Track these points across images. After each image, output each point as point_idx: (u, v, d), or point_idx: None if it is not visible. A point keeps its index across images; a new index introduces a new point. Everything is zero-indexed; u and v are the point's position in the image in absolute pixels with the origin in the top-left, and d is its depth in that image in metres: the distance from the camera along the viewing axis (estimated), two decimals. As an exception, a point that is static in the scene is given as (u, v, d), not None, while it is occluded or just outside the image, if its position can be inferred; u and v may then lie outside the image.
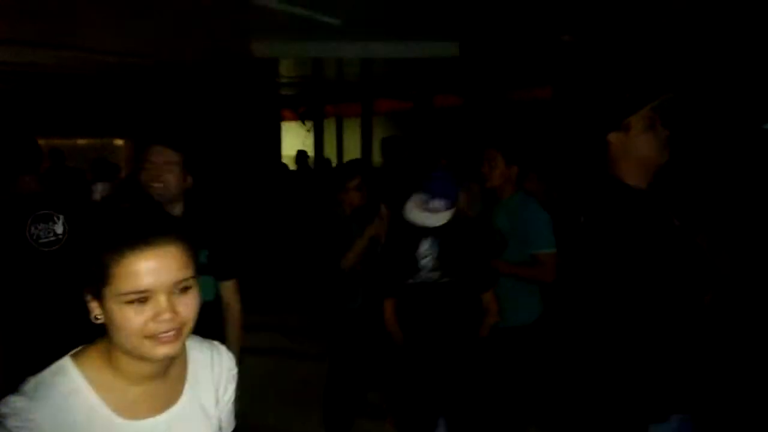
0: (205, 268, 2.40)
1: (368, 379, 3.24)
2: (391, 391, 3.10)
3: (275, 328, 5.67)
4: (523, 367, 3.01)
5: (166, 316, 1.08)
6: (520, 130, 7.33)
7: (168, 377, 1.21)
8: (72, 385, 1.11)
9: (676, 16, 4.55)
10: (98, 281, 1.08)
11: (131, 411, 1.14)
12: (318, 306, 5.08)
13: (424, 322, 2.82)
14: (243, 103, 10.15)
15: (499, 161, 3.07)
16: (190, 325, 1.14)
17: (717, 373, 2.34)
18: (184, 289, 1.12)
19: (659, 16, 4.59)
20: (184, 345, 1.22)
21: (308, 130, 12.36)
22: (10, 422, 1.05)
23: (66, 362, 1.14)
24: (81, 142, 9.59)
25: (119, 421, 1.13)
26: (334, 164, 10.66)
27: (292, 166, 9.74)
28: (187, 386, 1.24)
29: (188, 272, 1.13)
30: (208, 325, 2.47)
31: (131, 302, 1.07)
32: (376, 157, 9.13)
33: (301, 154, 9.50)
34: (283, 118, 12.24)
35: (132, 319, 1.07)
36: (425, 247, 2.78)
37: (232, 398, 1.35)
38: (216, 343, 1.36)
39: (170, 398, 1.21)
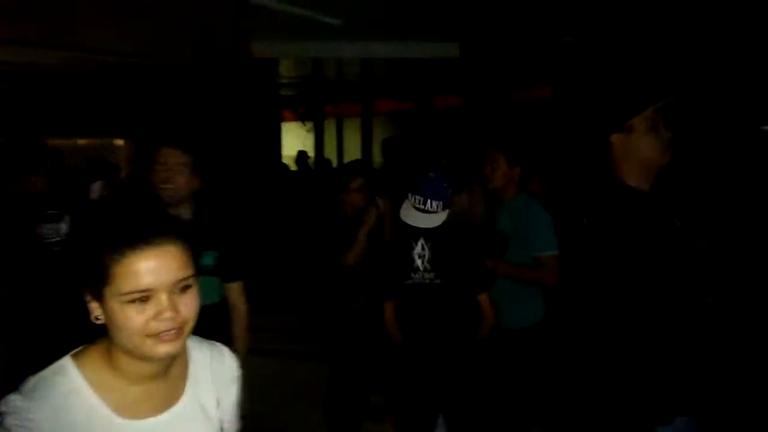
0: (212, 270, 2.44)
1: (370, 381, 3.22)
2: (391, 391, 3.10)
3: (275, 329, 5.66)
4: (526, 369, 3.01)
5: (168, 314, 1.09)
6: (521, 131, 7.32)
7: (168, 377, 1.21)
8: (72, 385, 1.11)
9: (678, 18, 4.54)
10: (98, 281, 1.08)
11: (131, 411, 1.14)
12: (318, 307, 5.09)
13: (419, 323, 2.83)
14: (243, 103, 10.15)
15: (501, 162, 3.06)
16: (191, 324, 1.14)
17: (721, 375, 2.34)
18: (185, 288, 1.12)
19: (660, 17, 4.59)
20: (185, 344, 1.22)
21: (308, 131, 12.35)
22: (9, 421, 1.05)
23: (66, 362, 1.14)
24: (81, 142, 9.59)
25: (119, 420, 1.12)
26: (334, 165, 10.66)
27: (292, 167, 9.74)
28: (187, 387, 1.24)
29: (188, 271, 1.13)
30: (214, 326, 2.50)
31: (132, 302, 1.07)
32: (377, 158, 9.13)
33: (301, 155, 9.50)
34: (283, 119, 12.24)
35: (133, 319, 1.07)
36: (419, 248, 2.80)
37: (236, 399, 1.34)
38: (218, 344, 1.36)
39: (170, 398, 1.21)
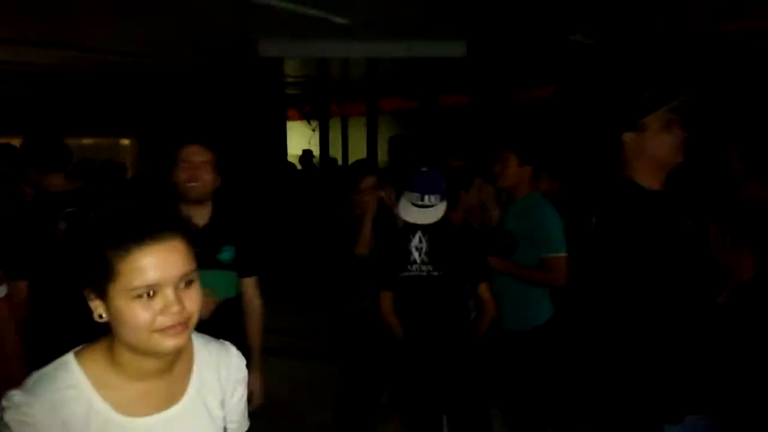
0: (231, 265, 2.51)
1: (380, 381, 3.21)
2: (395, 387, 3.09)
3: (281, 329, 5.67)
4: (536, 368, 3.00)
5: (175, 309, 1.09)
6: (529, 129, 7.30)
7: (171, 375, 1.21)
8: (72, 381, 1.11)
9: (690, 16, 4.52)
10: (103, 278, 1.08)
11: (131, 408, 1.15)
12: (325, 306, 5.09)
13: (417, 316, 2.85)
14: (248, 102, 10.15)
15: (512, 161, 3.05)
16: (195, 318, 1.15)
17: (732, 374, 2.33)
18: (189, 283, 1.13)
19: (672, 15, 4.57)
20: (190, 341, 1.23)
21: (313, 130, 12.35)
22: (9, 416, 1.06)
23: (68, 358, 1.15)
24: (87, 141, 9.60)
25: (117, 417, 1.13)
26: (339, 164, 10.66)
27: (297, 166, 9.75)
28: (190, 385, 1.24)
29: (192, 265, 1.14)
30: (231, 320, 2.53)
31: (139, 297, 1.07)
32: (382, 157, 9.12)
33: (306, 154, 9.50)
34: (288, 118, 12.24)
35: (140, 314, 1.07)
36: (416, 240, 2.81)
37: (243, 399, 1.34)
38: (226, 343, 1.35)
39: (172, 397, 1.21)
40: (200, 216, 2.49)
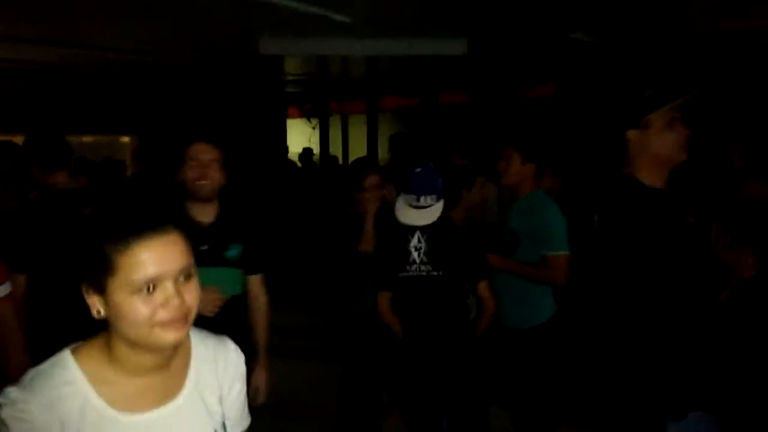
0: (236, 262, 2.53)
1: (383, 381, 3.20)
2: (395, 386, 3.09)
3: (283, 327, 5.66)
4: (539, 367, 3.00)
5: (176, 302, 1.09)
6: (531, 127, 7.31)
7: (169, 371, 1.21)
8: (69, 378, 1.11)
9: (690, 15, 4.52)
10: (102, 273, 1.08)
11: (128, 404, 1.14)
12: (328, 304, 5.09)
13: (417, 316, 2.85)
14: (249, 100, 10.15)
15: (515, 159, 3.05)
16: (194, 312, 1.15)
17: (736, 371, 2.33)
18: (188, 276, 1.13)
19: (673, 14, 4.57)
20: (187, 337, 1.23)
21: (314, 128, 12.35)
22: (6, 413, 1.05)
23: (65, 355, 1.14)
24: (87, 139, 9.59)
25: (113, 413, 1.12)
26: (340, 162, 10.65)
27: (297, 164, 9.75)
28: (188, 381, 1.24)
29: (191, 259, 1.14)
30: (237, 316, 2.53)
31: (139, 291, 1.07)
32: (382, 155, 9.12)
33: (306, 152, 9.49)
34: (288, 116, 12.24)
35: (140, 309, 1.07)
36: (415, 240, 2.81)
37: (242, 394, 1.34)
38: (225, 339, 1.35)
39: (169, 393, 1.20)
40: (207, 214, 2.51)
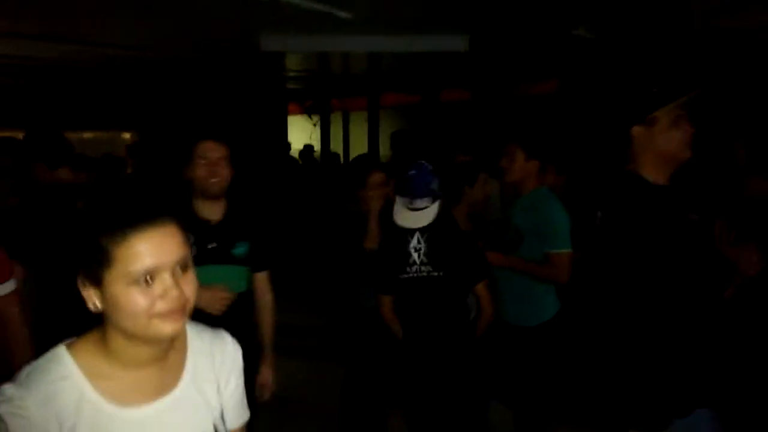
0: (243, 260, 2.54)
1: (388, 380, 3.16)
2: (397, 385, 3.08)
3: (285, 325, 5.65)
4: (543, 365, 2.99)
5: (174, 293, 1.09)
6: (534, 124, 7.31)
7: (166, 364, 1.20)
8: (65, 372, 1.11)
9: (690, 13, 4.51)
10: (99, 265, 1.08)
11: (124, 397, 1.14)
12: (330, 303, 5.08)
13: (419, 317, 2.85)
14: (250, 97, 10.14)
15: (518, 155, 3.03)
16: (191, 303, 1.14)
17: (741, 367, 2.33)
18: (185, 268, 1.13)
19: (673, 12, 4.56)
20: (184, 331, 1.24)
21: (314, 124, 12.34)
22: (2, 409, 1.05)
23: (60, 350, 1.14)
24: (87, 135, 9.58)
25: (109, 407, 1.12)
26: (341, 159, 10.64)
27: (298, 161, 9.74)
28: (185, 374, 1.23)
29: (187, 251, 1.14)
30: (244, 313, 2.52)
31: (137, 283, 1.07)
32: (383, 152, 9.11)
33: (307, 149, 9.49)
34: (289, 112, 12.23)
35: (138, 300, 1.07)
36: (415, 241, 2.80)
37: (239, 388, 1.34)
38: (221, 332, 1.35)
39: (166, 386, 1.20)
40: (215, 211, 2.51)
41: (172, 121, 8.69)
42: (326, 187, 7.75)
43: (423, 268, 2.79)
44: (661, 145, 1.97)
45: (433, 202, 2.77)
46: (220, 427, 1.26)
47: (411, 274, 2.80)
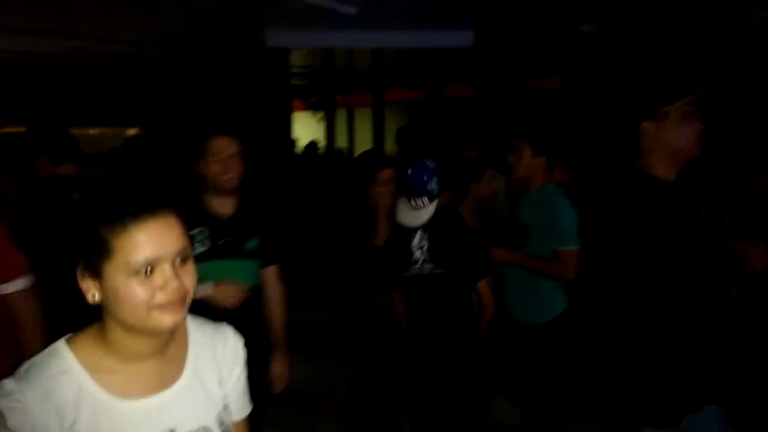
0: (254, 254, 2.55)
1: (394, 378, 3.15)
2: (401, 382, 3.08)
3: (292, 322, 5.65)
4: (551, 362, 2.99)
5: (174, 284, 1.08)
6: (542, 120, 7.29)
7: (166, 357, 1.20)
8: (64, 367, 1.10)
9: (698, 6, 4.49)
10: (98, 256, 1.07)
11: (125, 391, 1.14)
12: (338, 300, 5.06)
13: (423, 315, 2.84)
14: (254, 93, 10.14)
15: (526, 151, 3.02)
16: (191, 295, 1.14)
17: (750, 363, 2.32)
18: (184, 259, 1.12)
19: (682, 5, 4.53)
20: (185, 323, 1.23)
21: (319, 121, 12.34)
22: (1, 404, 1.05)
23: (60, 344, 1.14)
24: (92, 131, 9.60)
25: (110, 400, 1.12)
26: (346, 155, 10.62)
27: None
28: (186, 366, 1.23)
29: (187, 242, 1.13)
30: (255, 307, 2.53)
31: (136, 274, 1.06)
32: (388, 147, 9.11)
33: (310, 145, 9.48)
34: (294, 108, 12.22)
35: (138, 291, 1.06)
36: (417, 239, 2.80)
37: (242, 380, 1.33)
38: (223, 324, 1.34)
39: (167, 379, 1.20)
40: (227, 207, 2.51)
41: (177, 117, 8.69)
42: (331, 183, 7.74)
43: (426, 265, 2.79)
44: (670, 140, 1.96)
45: (431, 201, 2.76)
46: (225, 420, 1.26)
47: (414, 272, 2.80)
